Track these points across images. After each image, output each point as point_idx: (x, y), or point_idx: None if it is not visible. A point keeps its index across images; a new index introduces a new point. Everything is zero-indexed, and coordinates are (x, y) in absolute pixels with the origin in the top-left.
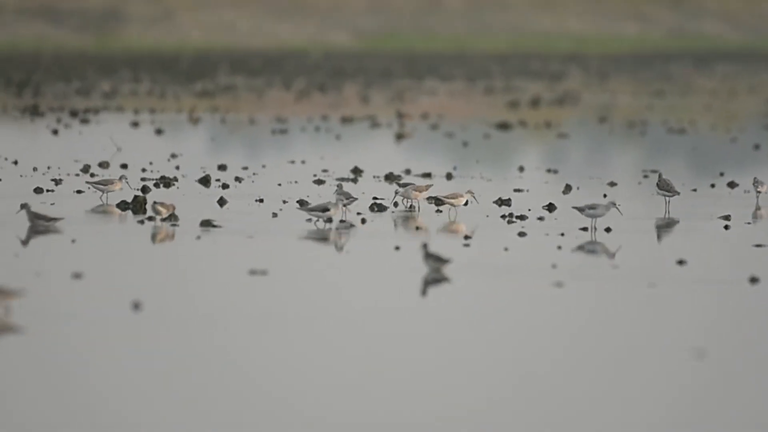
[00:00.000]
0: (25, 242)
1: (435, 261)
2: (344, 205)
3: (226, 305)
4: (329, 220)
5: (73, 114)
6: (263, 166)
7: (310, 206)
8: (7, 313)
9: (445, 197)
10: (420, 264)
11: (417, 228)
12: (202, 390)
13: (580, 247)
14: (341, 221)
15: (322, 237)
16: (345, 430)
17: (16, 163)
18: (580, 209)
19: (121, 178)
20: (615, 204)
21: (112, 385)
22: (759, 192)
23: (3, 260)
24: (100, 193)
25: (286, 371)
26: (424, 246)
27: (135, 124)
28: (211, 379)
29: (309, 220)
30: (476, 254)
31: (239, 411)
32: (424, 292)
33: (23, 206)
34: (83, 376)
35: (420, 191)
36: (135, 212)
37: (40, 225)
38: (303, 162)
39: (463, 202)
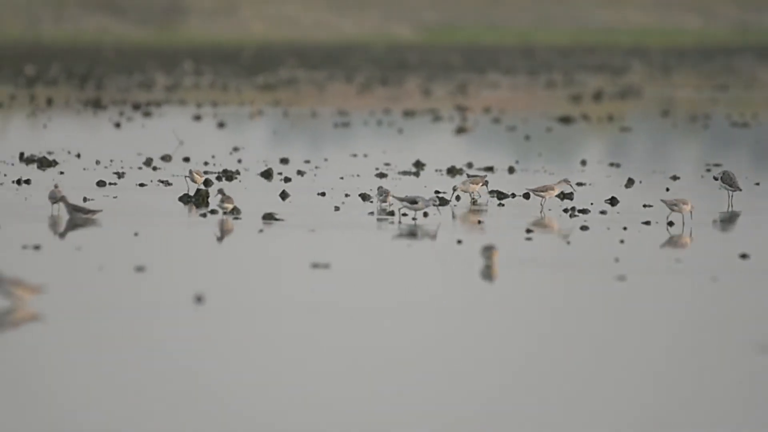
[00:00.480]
0: (62, 235)
1: (487, 252)
2: (382, 202)
3: (287, 299)
4: (423, 213)
5: (136, 107)
6: (325, 160)
7: (401, 197)
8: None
9: (535, 190)
10: (477, 257)
11: (479, 222)
12: (265, 382)
13: (643, 241)
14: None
15: (382, 229)
16: (415, 420)
17: (78, 156)
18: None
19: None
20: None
21: (176, 378)
22: None
23: (65, 253)
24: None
25: (347, 364)
26: (488, 248)
27: (197, 118)
28: (273, 371)
29: (371, 213)
30: (538, 248)
31: (303, 402)
32: (485, 286)
33: (60, 199)
34: (146, 368)
35: (477, 183)
36: (197, 205)
37: (78, 217)
38: (365, 155)
39: (556, 193)
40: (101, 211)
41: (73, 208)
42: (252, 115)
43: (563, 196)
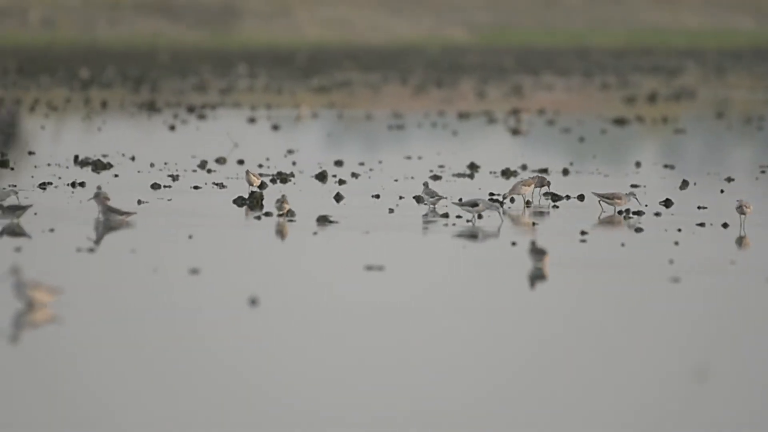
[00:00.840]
0: (97, 241)
1: (537, 254)
2: (432, 204)
3: (341, 301)
4: (479, 215)
5: (190, 110)
6: (380, 162)
7: (461, 201)
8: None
9: (603, 196)
10: (528, 259)
11: (533, 224)
12: (319, 383)
13: (697, 243)
14: (425, 215)
15: (442, 233)
16: (473, 419)
17: (133, 159)
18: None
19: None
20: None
21: (230, 380)
22: None
23: (120, 256)
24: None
25: (400, 365)
26: (533, 243)
27: (252, 120)
28: (327, 373)
29: (425, 215)
30: (592, 250)
31: (358, 402)
32: (538, 287)
33: (96, 195)
34: (200, 371)
35: (528, 185)
36: (252, 208)
37: (113, 219)
38: (419, 158)
39: (623, 205)
40: (135, 213)
41: (108, 209)
42: (297, 118)
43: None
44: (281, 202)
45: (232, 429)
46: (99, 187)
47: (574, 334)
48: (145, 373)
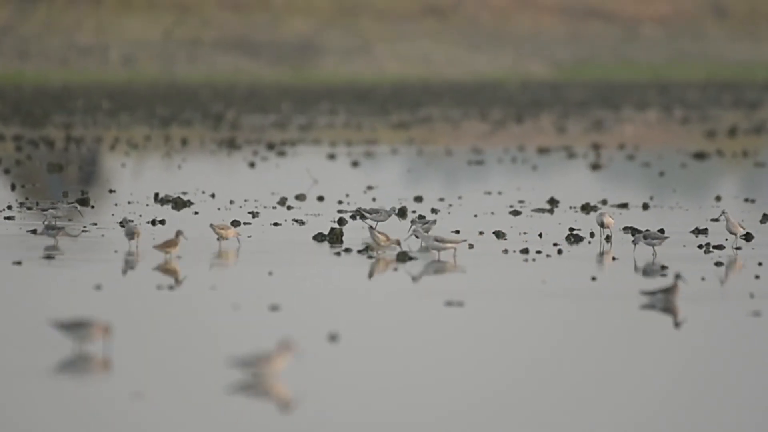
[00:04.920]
0: (197, 275)
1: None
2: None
3: (422, 337)
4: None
5: (270, 147)
6: (459, 197)
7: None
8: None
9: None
10: (615, 294)
11: (613, 258)
12: (400, 421)
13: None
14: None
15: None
16: None
17: (213, 196)
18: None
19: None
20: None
21: (308, 416)
22: None
23: (200, 293)
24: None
25: (482, 405)
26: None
27: (331, 156)
28: (407, 410)
29: (505, 251)
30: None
31: None
32: (618, 320)
33: (123, 223)
34: (278, 407)
35: (613, 217)
36: (331, 243)
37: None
38: (499, 193)
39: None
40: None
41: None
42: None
43: (698, 231)
44: (377, 242)
45: None
46: (130, 221)
47: (650, 368)
48: (226, 410)
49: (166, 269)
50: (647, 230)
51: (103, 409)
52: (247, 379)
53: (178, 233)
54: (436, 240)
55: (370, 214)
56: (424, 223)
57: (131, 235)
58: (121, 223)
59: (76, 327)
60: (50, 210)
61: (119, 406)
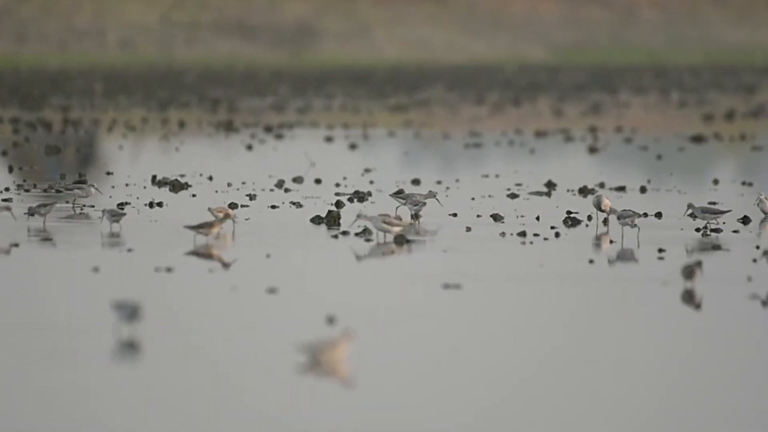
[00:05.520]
0: (194, 257)
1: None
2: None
3: (419, 319)
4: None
5: (267, 129)
6: (457, 181)
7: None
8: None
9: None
10: (612, 276)
11: (611, 242)
12: (398, 402)
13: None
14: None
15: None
16: None
17: (210, 178)
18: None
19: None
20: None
21: (308, 400)
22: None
23: (198, 276)
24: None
25: (483, 385)
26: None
27: (329, 139)
28: (405, 393)
29: (502, 234)
30: (670, 266)
31: (441, 421)
32: (612, 305)
33: (104, 212)
34: (278, 390)
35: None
36: (329, 226)
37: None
38: (497, 176)
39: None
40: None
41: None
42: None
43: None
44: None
45: None
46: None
47: (645, 352)
48: (223, 391)
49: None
50: (710, 203)
51: (99, 393)
52: (309, 363)
53: (227, 215)
54: (384, 222)
55: (408, 198)
56: (415, 203)
57: (116, 217)
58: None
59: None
60: (75, 190)
61: (114, 390)
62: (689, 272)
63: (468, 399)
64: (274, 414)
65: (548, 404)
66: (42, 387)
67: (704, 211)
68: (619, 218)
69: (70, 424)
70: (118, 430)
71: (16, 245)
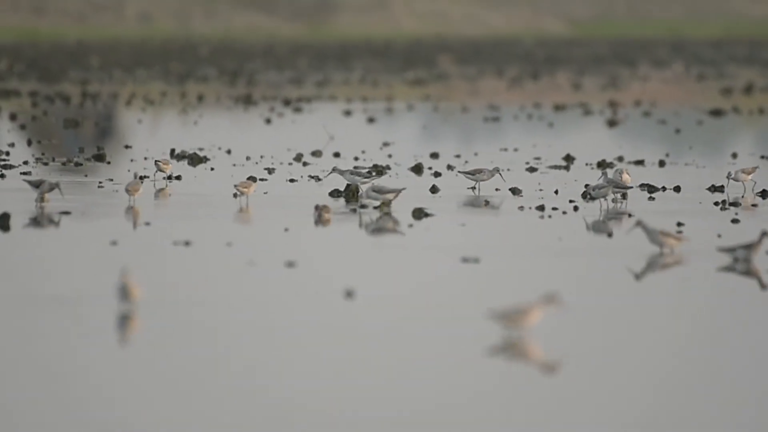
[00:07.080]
0: (213, 231)
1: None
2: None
3: (438, 293)
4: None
5: (286, 103)
6: (475, 154)
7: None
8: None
9: (467, 173)
10: (630, 250)
11: (629, 215)
12: (416, 375)
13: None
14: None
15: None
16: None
17: (229, 152)
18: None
19: (142, 178)
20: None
21: (327, 373)
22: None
23: (216, 249)
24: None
25: (499, 359)
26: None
27: (347, 113)
28: (421, 364)
29: (521, 207)
30: (690, 240)
31: (457, 395)
32: (636, 279)
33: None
34: (295, 364)
35: (748, 173)
36: (347, 200)
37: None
38: (515, 150)
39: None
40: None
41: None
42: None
43: (714, 188)
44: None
45: (327, 419)
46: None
47: (657, 327)
48: (236, 366)
49: (182, 226)
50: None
51: (122, 366)
52: (505, 332)
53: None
54: (374, 190)
55: (473, 174)
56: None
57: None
58: (141, 177)
59: None
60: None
61: (133, 362)
62: (752, 247)
63: (486, 368)
64: (297, 386)
65: (564, 374)
66: (55, 358)
67: (594, 189)
68: (593, 193)
69: (78, 397)
70: (134, 406)
71: (68, 213)
